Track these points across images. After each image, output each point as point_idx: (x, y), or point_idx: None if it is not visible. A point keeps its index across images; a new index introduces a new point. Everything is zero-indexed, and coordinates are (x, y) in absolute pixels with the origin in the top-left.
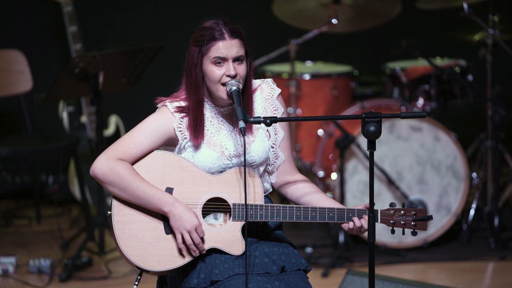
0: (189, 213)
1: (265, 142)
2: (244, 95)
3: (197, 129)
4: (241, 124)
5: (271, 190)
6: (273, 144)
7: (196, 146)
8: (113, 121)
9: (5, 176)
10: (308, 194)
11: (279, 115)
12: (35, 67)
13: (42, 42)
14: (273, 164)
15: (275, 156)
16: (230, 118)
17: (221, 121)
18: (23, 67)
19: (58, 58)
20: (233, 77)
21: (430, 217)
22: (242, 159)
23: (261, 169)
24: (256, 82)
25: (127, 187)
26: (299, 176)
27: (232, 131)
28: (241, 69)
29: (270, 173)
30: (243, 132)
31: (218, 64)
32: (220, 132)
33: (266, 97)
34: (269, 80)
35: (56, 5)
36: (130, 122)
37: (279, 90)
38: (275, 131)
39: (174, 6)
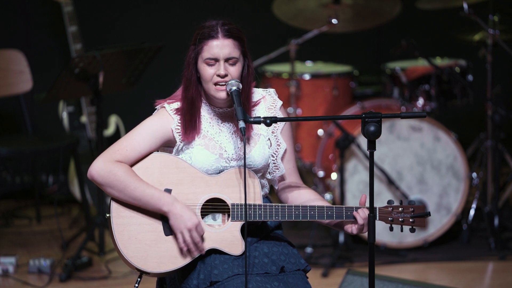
0: (188, 211)
1: (265, 149)
2: (242, 98)
3: (190, 125)
4: (241, 124)
5: (268, 192)
6: (274, 153)
7: (191, 146)
8: (113, 121)
9: (5, 176)
10: (312, 201)
11: (281, 126)
12: (35, 67)
13: (42, 42)
14: (273, 174)
15: (275, 167)
16: (231, 120)
17: (222, 123)
18: (23, 67)
19: (58, 58)
20: (223, 77)
21: (428, 214)
22: (241, 163)
23: (259, 175)
24: (260, 93)
25: (126, 188)
26: (304, 187)
27: (233, 133)
28: (233, 70)
29: (269, 182)
30: (243, 132)
31: (210, 63)
32: (220, 134)
33: (269, 106)
34: (272, 91)
35: (56, 5)
36: (130, 122)
37: (281, 102)
38: (277, 141)
39: (174, 6)
